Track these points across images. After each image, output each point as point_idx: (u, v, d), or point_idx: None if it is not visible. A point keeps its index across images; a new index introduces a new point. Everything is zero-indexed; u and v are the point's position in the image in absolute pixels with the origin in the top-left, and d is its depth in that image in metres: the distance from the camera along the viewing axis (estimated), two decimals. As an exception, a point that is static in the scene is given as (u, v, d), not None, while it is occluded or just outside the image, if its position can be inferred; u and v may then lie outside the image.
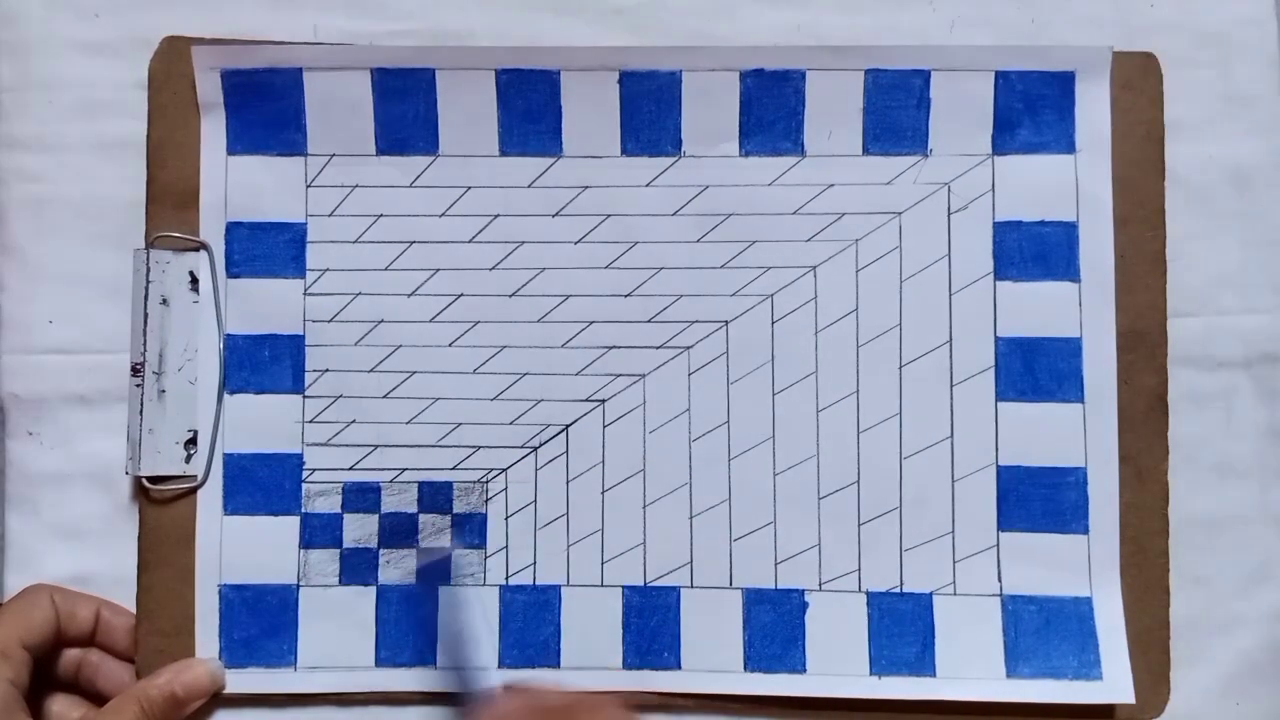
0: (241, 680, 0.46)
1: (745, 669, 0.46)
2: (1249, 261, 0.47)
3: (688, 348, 0.47)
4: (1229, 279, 0.47)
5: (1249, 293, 0.47)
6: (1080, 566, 0.46)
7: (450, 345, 0.47)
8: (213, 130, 0.47)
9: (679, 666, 0.46)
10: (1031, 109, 0.46)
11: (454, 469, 0.47)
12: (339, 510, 0.47)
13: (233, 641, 0.46)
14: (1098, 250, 0.46)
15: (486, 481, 0.47)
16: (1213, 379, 0.47)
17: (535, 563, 0.47)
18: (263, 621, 0.46)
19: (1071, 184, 0.47)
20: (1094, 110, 0.46)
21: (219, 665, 0.46)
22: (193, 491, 0.47)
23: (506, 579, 0.47)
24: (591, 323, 0.47)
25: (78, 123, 0.47)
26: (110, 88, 0.47)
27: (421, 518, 0.47)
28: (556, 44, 0.47)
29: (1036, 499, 0.46)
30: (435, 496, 0.47)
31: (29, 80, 0.47)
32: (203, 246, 0.47)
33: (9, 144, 0.48)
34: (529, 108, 0.47)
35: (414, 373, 0.47)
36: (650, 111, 0.47)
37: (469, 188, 0.47)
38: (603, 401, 0.47)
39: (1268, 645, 0.47)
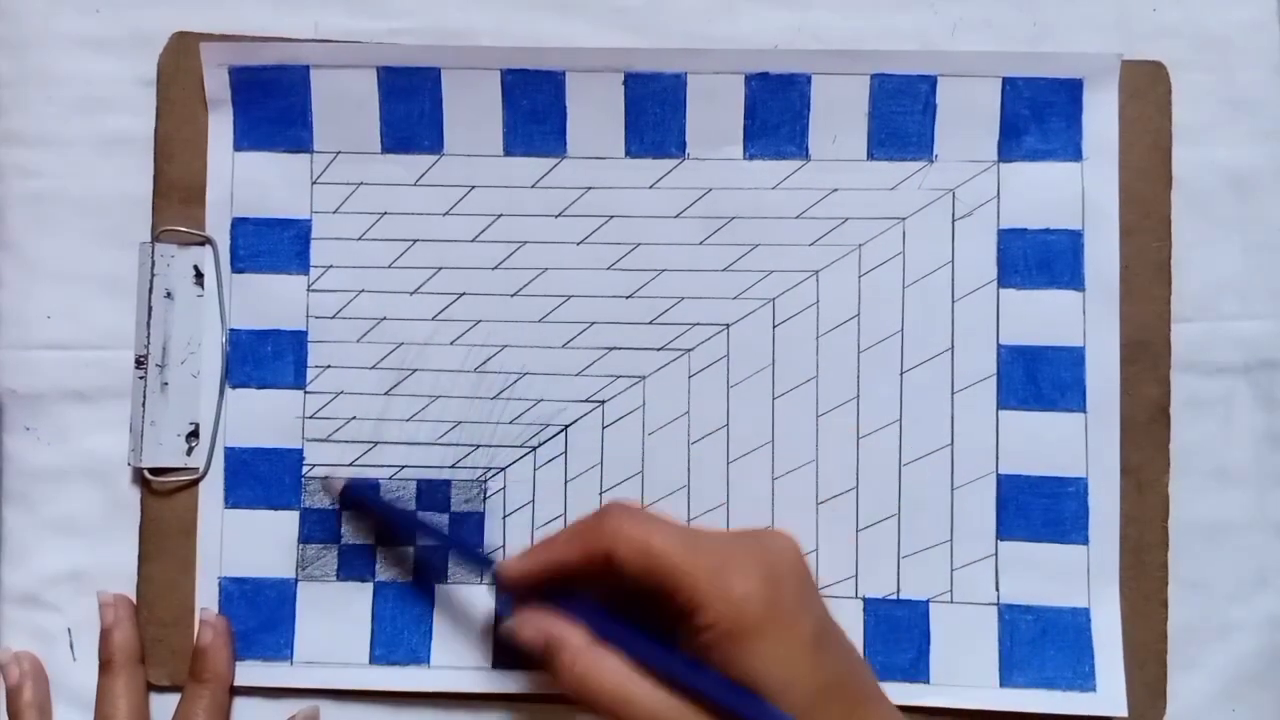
0: (239, 672, 0.46)
1: (740, 673, 0.46)
2: (1249, 267, 0.47)
3: (688, 350, 0.47)
4: (1229, 284, 0.47)
5: (1249, 298, 0.47)
6: (1079, 577, 0.46)
7: (451, 344, 0.47)
8: (220, 126, 0.47)
9: (673, 669, 0.46)
10: (1039, 116, 0.46)
11: (453, 467, 0.47)
12: (338, 506, 0.47)
13: (231, 634, 0.47)
14: (1103, 259, 0.46)
15: (485, 480, 0.47)
16: (1212, 384, 0.47)
17: (532, 562, 0.47)
18: (261, 614, 0.47)
19: (1078, 192, 0.46)
20: (1102, 118, 0.46)
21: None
22: (194, 484, 0.47)
23: (503, 578, 0.47)
24: (592, 324, 0.47)
25: (77, 118, 0.47)
26: (110, 84, 0.47)
27: (419, 515, 0.47)
28: (558, 44, 0.47)
29: (1036, 508, 0.46)
30: (433, 494, 0.47)
31: (28, 76, 0.48)
32: (208, 241, 0.47)
33: (8, 139, 0.48)
34: (534, 108, 0.47)
35: (414, 370, 0.47)
36: (655, 113, 0.47)
37: (473, 187, 0.47)
38: (602, 403, 0.47)
39: (1265, 651, 0.46)
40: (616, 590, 0.39)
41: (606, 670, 0.38)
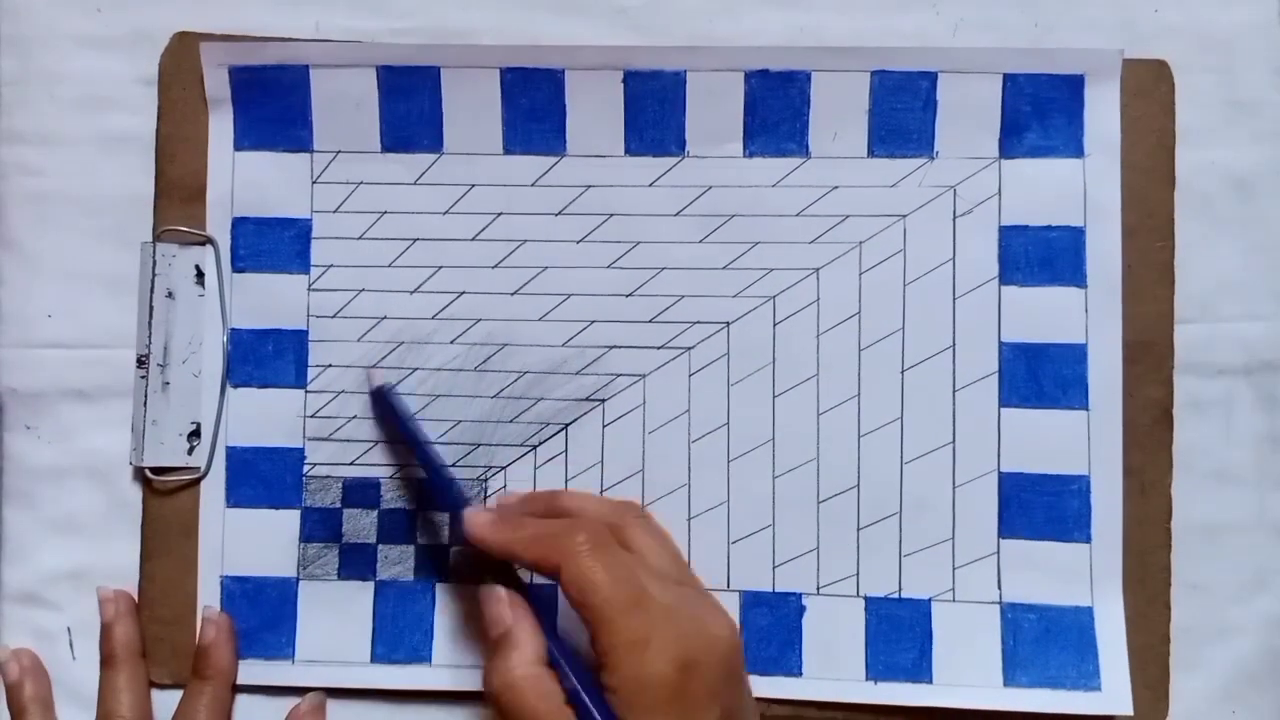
0: (240, 671, 0.46)
1: (741, 671, 0.46)
2: (1250, 268, 0.47)
3: (689, 348, 0.47)
4: (1230, 286, 0.46)
5: (1250, 300, 0.46)
6: (1082, 576, 0.45)
7: (451, 343, 0.47)
8: (220, 126, 0.47)
9: (674, 668, 0.46)
10: (1040, 112, 0.46)
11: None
12: (339, 505, 0.47)
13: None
14: (1105, 256, 0.46)
15: (485, 479, 0.47)
16: (1213, 386, 0.46)
17: (533, 561, 0.47)
18: (263, 613, 0.47)
19: (1079, 189, 0.46)
20: (1103, 114, 0.46)
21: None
22: (195, 483, 0.47)
23: (504, 577, 0.47)
24: (593, 322, 0.47)
25: (79, 117, 0.48)
26: (111, 82, 0.47)
27: (420, 514, 0.47)
28: (557, 42, 0.47)
29: (1038, 506, 0.46)
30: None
31: (31, 74, 0.48)
32: (209, 241, 0.47)
33: (10, 138, 0.48)
34: (533, 106, 0.47)
35: (415, 369, 0.47)
36: (654, 111, 0.47)
37: (472, 186, 0.47)
38: (603, 401, 0.47)
39: (1265, 653, 0.46)
40: None
41: (541, 699, 0.38)
